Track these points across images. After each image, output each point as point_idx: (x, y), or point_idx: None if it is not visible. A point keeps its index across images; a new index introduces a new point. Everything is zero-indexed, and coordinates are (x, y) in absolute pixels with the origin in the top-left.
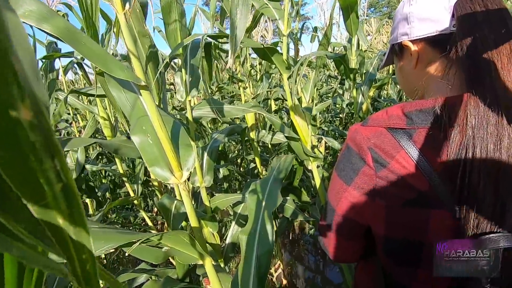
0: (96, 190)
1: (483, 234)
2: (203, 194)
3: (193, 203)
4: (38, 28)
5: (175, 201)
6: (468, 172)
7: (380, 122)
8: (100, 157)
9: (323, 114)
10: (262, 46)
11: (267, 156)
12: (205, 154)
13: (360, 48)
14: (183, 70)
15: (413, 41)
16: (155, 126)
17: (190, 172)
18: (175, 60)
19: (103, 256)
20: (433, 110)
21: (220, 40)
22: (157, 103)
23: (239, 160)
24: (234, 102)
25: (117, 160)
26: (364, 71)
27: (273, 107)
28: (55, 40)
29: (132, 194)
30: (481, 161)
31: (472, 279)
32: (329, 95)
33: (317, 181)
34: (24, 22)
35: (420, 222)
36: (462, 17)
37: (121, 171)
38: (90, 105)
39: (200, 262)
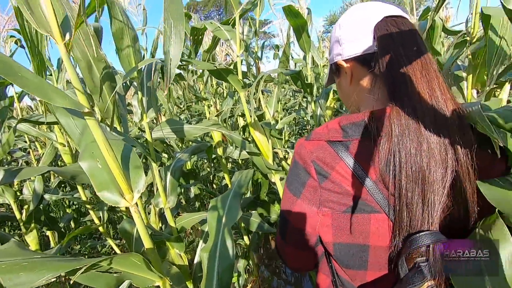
0: (59, 221)
1: (416, 233)
2: (168, 215)
3: (160, 224)
4: None
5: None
6: (397, 176)
7: (321, 136)
8: (62, 185)
9: (291, 127)
10: (215, 68)
11: (236, 170)
12: (168, 174)
13: (314, 64)
14: (139, 92)
15: (345, 61)
16: (102, 151)
17: (143, 193)
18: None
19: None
20: (363, 122)
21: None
22: (112, 121)
23: (211, 177)
24: (202, 120)
25: (79, 187)
26: (320, 85)
27: (241, 123)
28: None
29: (97, 222)
30: (406, 165)
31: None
32: (296, 108)
33: (281, 193)
34: None
35: (362, 226)
36: (381, 37)
37: (84, 199)
38: (49, 131)
39: (157, 284)
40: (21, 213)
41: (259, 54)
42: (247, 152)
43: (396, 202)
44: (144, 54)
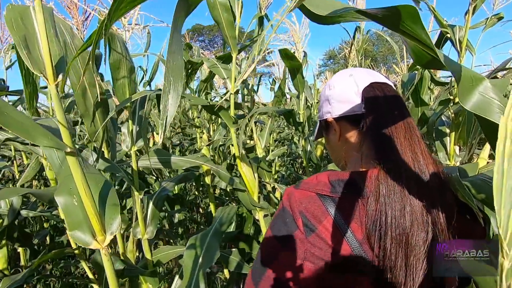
0: (33, 237)
1: None
2: (145, 246)
3: (138, 253)
4: None
5: (111, 257)
6: (382, 238)
7: (311, 187)
8: None
9: (282, 157)
10: (208, 103)
11: (226, 199)
12: (151, 204)
13: (307, 103)
14: (130, 121)
15: (335, 118)
16: (79, 190)
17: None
18: None
19: None
20: (351, 180)
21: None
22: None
23: (198, 202)
24: (194, 144)
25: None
26: (312, 123)
27: (234, 151)
28: (2, 78)
29: (74, 245)
30: (391, 226)
31: None
32: (289, 138)
33: (264, 231)
34: None
35: (345, 286)
36: (367, 99)
37: (62, 217)
38: (36, 147)
39: None
40: None
41: (255, 87)
42: (233, 188)
43: (380, 264)
44: (143, 75)
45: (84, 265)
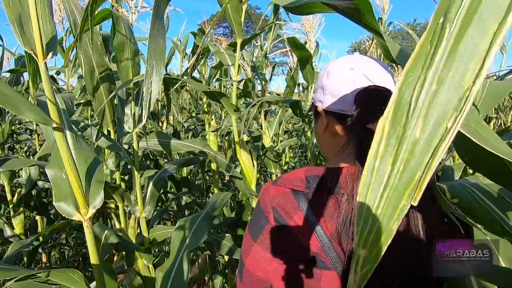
0: (49, 207)
1: None
2: (143, 224)
3: (138, 231)
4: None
5: (106, 231)
6: (350, 237)
7: (287, 183)
8: None
9: (294, 149)
10: (209, 90)
11: (233, 185)
12: (150, 184)
13: None
14: (132, 102)
15: (324, 110)
16: (65, 164)
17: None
18: None
19: None
20: (327, 177)
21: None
22: (105, 124)
23: (206, 187)
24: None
25: None
26: None
27: (236, 139)
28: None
29: None
30: None
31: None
32: (302, 130)
33: None
34: None
35: (314, 281)
36: (359, 104)
37: None
38: None
39: None
40: (12, 196)
41: (267, 76)
42: (229, 175)
43: (346, 261)
44: None
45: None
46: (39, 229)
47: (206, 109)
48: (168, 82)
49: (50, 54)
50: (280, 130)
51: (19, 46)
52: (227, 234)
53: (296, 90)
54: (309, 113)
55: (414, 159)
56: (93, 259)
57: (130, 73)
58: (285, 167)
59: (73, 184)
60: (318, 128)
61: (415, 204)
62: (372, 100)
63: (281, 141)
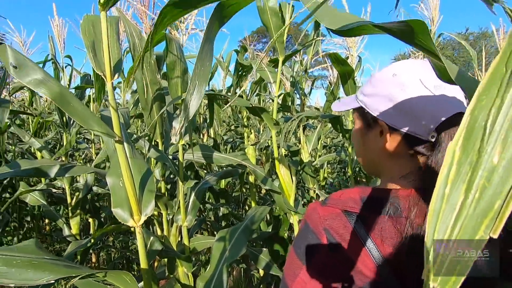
0: (101, 211)
1: None
2: (184, 233)
3: (180, 238)
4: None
5: (151, 237)
6: (415, 266)
7: (338, 204)
8: None
9: (332, 164)
10: (251, 105)
11: (270, 199)
12: (193, 195)
13: None
14: (179, 118)
15: (389, 125)
16: (123, 174)
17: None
18: None
19: None
20: (385, 199)
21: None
22: (153, 138)
23: (243, 199)
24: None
25: None
26: None
27: (275, 154)
28: (89, 73)
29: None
30: None
31: None
32: (341, 145)
33: None
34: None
35: None
36: (446, 129)
37: None
38: None
39: None
40: (71, 199)
41: (307, 90)
42: (267, 189)
43: None
44: None
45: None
46: (91, 231)
47: (245, 123)
48: (212, 97)
49: (116, 75)
50: (319, 145)
51: (84, 65)
52: (265, 249)
53: None
54: (350, 111)
55: (492, 187)
56: (143, 263)
57: (179, 90)
58: (323, 183)
59: (129, 193)
60: (370, 142)
61: (495, 236)
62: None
63: (319, 156)
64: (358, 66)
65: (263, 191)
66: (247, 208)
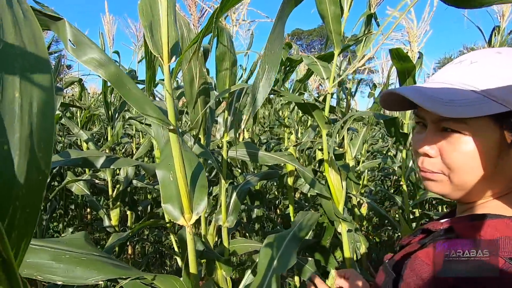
0: (138, 204)
1: None
2: (224, 234)
3: (217, 238)
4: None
5: (194, 237)
6: None
7: None
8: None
9: (372, 171)
10: (303, 101)
11: (306, 204)
12: (234, 194)
13: None
14: (226, 111)
15: None
16: (176, 168)
17: (201, 216)
18: None
19: None
20: None
21: None
22: (198, 134)
23: (277, 202)
24: (281, 144)
25: None
26: None
27: (319, 156)
28: (135, 69)
29: (167, 219)
30: None
31: None
32: (382, 152)
33: (345, 247)
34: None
35: None
36: None
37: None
38: (149, 128)
39: None
40: (113, 191)
41: (353, 90)
42: (316, 193)
43: None
44: (242, 73)
45: (172, 238)
46: (128, 223)
47: (286, 123)
48: None
49: (174, 58)
50: (363, 150)
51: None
52: (310, 258)
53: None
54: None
55: None
56: (192, 267)
57: (227, 83)
58: (362, 190)
59: (181, 187)
60: (504, 155)
61: None
62: None
63: (362, 162)
64: (418, 63)
65: (297, 196)
66: (278, 212)
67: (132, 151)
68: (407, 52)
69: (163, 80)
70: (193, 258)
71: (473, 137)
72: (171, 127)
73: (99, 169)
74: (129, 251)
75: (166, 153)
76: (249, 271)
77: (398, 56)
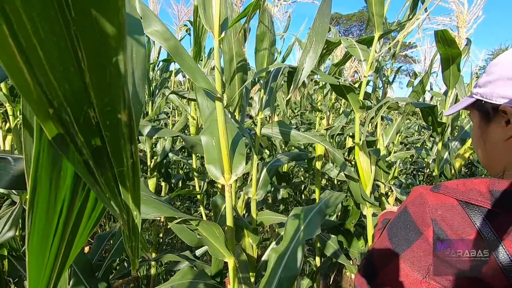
0: (172, 177)
1: None
2: (253, 206)
3: (244, 212)
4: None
5: (225, 203)
6: None
7: (455, 193)
8: (183, 150)
9: (405, 164)
10: (338, 83)
11: (329, 189)
12: (264, 170)
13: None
14: (262, 90)
15: None
16: (219, 132)
17: (238, 178)
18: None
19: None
20: None
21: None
22: (235, 110)
23: (302, 187)
24: (311, 129)
25: (193, 156)
26: (457, 126)
27: (349, 144)
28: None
29: (197, 189)
30: None
31: None
32: (417, 145)
33: (369, 231)
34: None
35: None
36: None
37: (194, 166)
38: (186, 104)
39: (226, 260)
40: (151, 162)
41: (390, 78)
42: (345, 174)
43: None
44: (277, 56)
45: (202, 209)
46: (162, 193)
47: (319, 107)
48: (292, 74)
49: (223, 33)
50: (396, 140)
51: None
52: (333, 236)
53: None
54: (467, 111)
55: None
56: (229, 221)
57: (265, 62)
58: (392, 182)
59: (223, 151)
60: (493, 135)
61: None
62: None
63: (394, 152)
64: (465, 50)
65: (323, 182)
66: (303, 196)
67: (167, 127)
68: (454, 37)
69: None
70: (230, 213)
71: (473, 123)
72: (218, 95)
73: (140, 141)
74: (162, 219)
75: (210, 122)
76: (274, 242)
77: (443, 39)
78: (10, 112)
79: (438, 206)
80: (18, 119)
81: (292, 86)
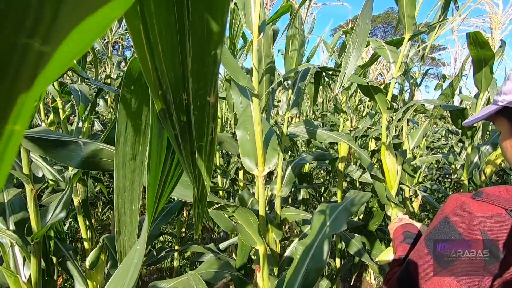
0: None
1: None
2: (277, 202)
3: (267, 209)
4: None
5: (252, 198)
6: None
7: (500, 201)
8: None
9: (430, 169)
10: (367, 84)
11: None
12: (289, 168)
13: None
14: (290, 90)
15: None
16: (255, 127)
17: (272, 171)
18: (288, 81)
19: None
20: None
21: (329, 72)
22: (263, 109)
23: (322, 189)
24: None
25: (217, 153)
26: (487, 132)
27: (372, 147)
28: None
29: (220, 185)
30: None
31: None
32: (443, 150)
33: None
34: None
35: None
36: None
37: (217, 163)
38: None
39: (257, 247)
40: None
41: (418, 80)
42: (371, 175)
43: None
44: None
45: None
46: None
47: (343, 108)
48: (319, 74)
49: (262, 34)
50: (422, 144)
51: None
52: (357, 235)
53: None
54: (490, 122)
55: None
56: (261, 210)
57: (294, 63)
58: (417, 187)
59: (258, 144)
60: None
61: None
62: None
63: (420, 156)
64: (499, 52)
65: (344, 184)
66: (322, 199)
67: None
68: (488, 39)
69: None
70: (263, 202)
71: (501, 131)
72: (256, 92)
73: None
74: (185, 214)
75: (244, 117)
76: (296, 239)
77: (475, 41)
78: (60, 106)
79: (486, 216)
80: (67, 112)
81: (336, 84)
